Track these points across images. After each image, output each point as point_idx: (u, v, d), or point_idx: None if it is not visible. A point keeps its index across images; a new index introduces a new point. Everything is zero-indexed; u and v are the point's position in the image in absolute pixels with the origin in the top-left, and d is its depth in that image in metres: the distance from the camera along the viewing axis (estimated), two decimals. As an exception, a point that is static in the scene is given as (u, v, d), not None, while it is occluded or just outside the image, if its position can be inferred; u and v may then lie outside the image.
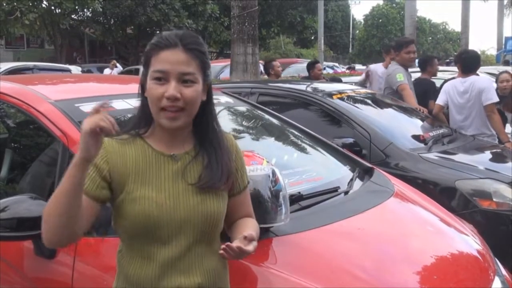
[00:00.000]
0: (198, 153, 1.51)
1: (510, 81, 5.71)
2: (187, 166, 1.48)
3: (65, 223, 1.32)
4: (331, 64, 23.68)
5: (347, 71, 18.88)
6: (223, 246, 1.36)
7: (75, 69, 13.15)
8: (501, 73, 6.19)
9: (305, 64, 9.39)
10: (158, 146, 1.49)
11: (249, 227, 1.54)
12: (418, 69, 6.33)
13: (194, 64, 1.44)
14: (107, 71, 17.13)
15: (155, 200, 1.42)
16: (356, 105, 4.31)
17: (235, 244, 1.35)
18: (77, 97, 2.40)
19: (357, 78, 7.75)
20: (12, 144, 2.76)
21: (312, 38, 36.54)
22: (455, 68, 5.92)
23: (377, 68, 6.52)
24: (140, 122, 1.51)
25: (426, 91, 5.55)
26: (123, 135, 1.49)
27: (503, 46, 23.44)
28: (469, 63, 5.13)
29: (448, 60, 18.08)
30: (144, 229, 1.42)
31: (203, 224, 1.46)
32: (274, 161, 2.27)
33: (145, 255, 1.44)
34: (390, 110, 4.57)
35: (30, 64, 12.68)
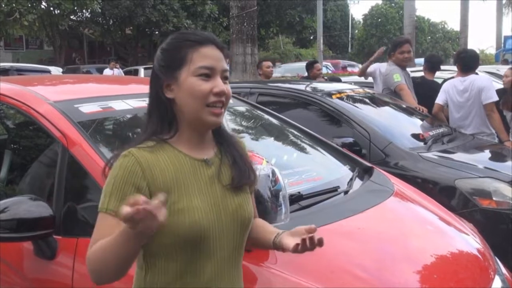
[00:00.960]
0: (223, 154, 1.48)
1: (509, 77, 5.69)
2: (219, 169, 1.43)
3: (122, 270, 1.26)
4: (324, 63, 23.26)
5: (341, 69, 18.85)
6: (303, 237, 1.30)
7: (55, 70, 12.68)
8: (510, 68, 6.12)
9: (296, 64, 9.38)
10: (188, 151, 1.41)
11: (268, 225, 1.55)
12: (416, 68, 6.24)
13: (225, 61, 1.44)
14: (107, 71, 17.07)
15: (201, 209, 1.35)
16: (356, 104, 4.31)
17: (313, 235, 1.30)
18: (76, 98, 2.39)
19: (354, 78, 7.69)
20: (12, 145, 2.76)
21: (311, 38, 36.50)
22: (455, 68, 5.88)
23: (381, 68, 6.40)
24: (163, 126, 1.41)
25: (436, 93, 5.40)
26: (148, 142, 1.39)
27: (502, 45, 23.43)
28: (468, 62, 5.12)
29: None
30: (191, 242, 1.33)
31: (240, 230, 1.42)
32: (273, 161, 2.28)
33: (187, 274, 1.34)
34: (389, 109, 4.57)
35: (7, 65, 12.36)
